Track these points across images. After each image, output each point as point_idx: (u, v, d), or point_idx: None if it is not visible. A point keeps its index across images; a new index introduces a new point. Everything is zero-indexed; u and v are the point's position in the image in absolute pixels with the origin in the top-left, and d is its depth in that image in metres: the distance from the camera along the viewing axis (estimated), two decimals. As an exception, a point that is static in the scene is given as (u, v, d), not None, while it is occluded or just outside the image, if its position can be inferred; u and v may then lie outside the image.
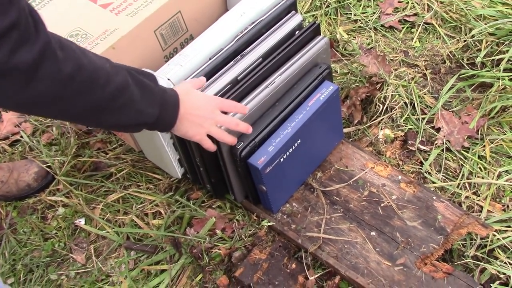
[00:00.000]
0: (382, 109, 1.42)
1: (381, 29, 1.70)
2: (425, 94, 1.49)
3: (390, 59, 1.59)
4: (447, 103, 1.47)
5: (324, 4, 1.79)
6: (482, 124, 1.38)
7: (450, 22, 1.67)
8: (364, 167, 1.28)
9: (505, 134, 1.37)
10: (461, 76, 1.51)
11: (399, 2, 1.75)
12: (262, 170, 1.07)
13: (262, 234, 1.21)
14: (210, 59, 1.07)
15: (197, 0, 1.18)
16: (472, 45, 1.57)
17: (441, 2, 1.71)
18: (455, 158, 1.34)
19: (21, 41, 0.60)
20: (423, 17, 1.69)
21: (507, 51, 1.48)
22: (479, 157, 1.33)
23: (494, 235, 1.16)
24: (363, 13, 1.76)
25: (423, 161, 1.34)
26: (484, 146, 1.35)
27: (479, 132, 1.37)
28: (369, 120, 1.43)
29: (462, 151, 1.34)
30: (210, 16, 1.22)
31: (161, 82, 0.92)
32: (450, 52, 1.59)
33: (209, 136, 0.98)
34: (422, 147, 1.37)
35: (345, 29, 1.72)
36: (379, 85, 1.45)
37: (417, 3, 1.74)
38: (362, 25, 1.72)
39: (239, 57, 1.09)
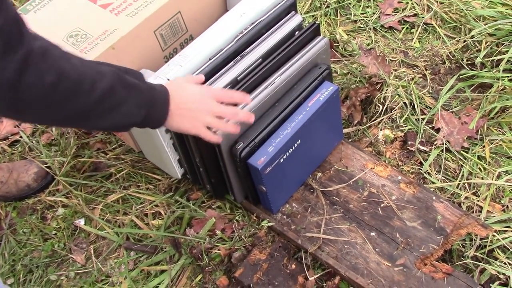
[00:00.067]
0: (382, 109, 1.42)
1: (380, 29, 1.70)
2: (424, 94, 1.49)
3: (390, 60, 1.59)
4: (446, 104, 1.47)
5: (324, 4, 1.79)
6: (482, 124, 1.38)
7: (450, 23, 1.67)
8: (364, 168, 1.28)
9: (504, 134, 1.37)
10: (460, 77, 1.51)
11: (398, 2, 1.75)
12: (262, 171, 1.07)
13: (262, 234, 1.21)
14: (210, 59, 1.07)
15: (197, 1, 1.18)
16: (472, 45, 1.57)
17: (441, 3, 1.72)
18: (454, 158, 1.34)
19: (4, 50, 0.60)
20: (422, 17, 1.69)
21: (507, 51, 1.48)
22: (478, 157, 1.33)
23: (494, 236, 1.16)
24: (362, 13, 1.76)
25: (422, 161, 1.34)
26: (484, 146, 1.35)
27: (479, 133, 1.37)
28: (369, 120, 1.43)
29: (462, 152, 1.35)
30: (210, 16, 1.22)
31: (160, 83, 0.92)
32: (449, 52, 1.59)
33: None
34: (421, 148, 1.37)
35: (345, 29, 1.72)
36: (378, 86, 1.45)
37: (416, 4, 1.74)
38: (361, 25, 1.72)
39: (239, 57, 1.09)
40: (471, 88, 1.50)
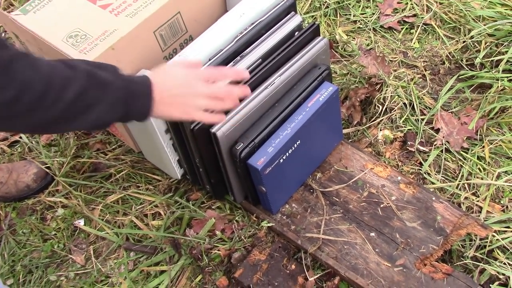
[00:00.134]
0: (382, 110, 1.42)
1: (380, 30, 1.70)
2: (424, 95, 1.49)
3: (390, 60, 1.59)
4: (446, 104, 1.47)
5: (324, 5, 1.79)
6: (481, 125, 1.38)
7: (449, 23, 1.67)
8: (364, 168, 1.28)
9: (504, 135, 1.37)
10: (460, 77, 1.51)
11: (398, 3, 1.75)
12: (261, 171, 1.07)
13: (261, 235, 1.21)
14: (209, 60, 1.07)
15: (197, 1, 1.18)
16: (471, 46, 1.57)
17: (440, 3, 1.72)
18: (454, 159, 1.34)
19: None
20: (422, 18, 1.69)
21: (506, 52, 1.48)
22: (478, 158, 1.33)
23: (494, 236, 1.16)
24: (362, 14, 1.76)
25: (422, 162, 1.34)
26: (483, 147, 1.35)
27: (478, 133, 1.37)
28: (369, 121, 1.43)
29: (461, 152, 1.35)
30: (209, 16, 1.22)
31: (144, 73, 0.89)
32: (449, 53, 1.59)
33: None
34: (421, 148, 1.37)
35: (345, 30, 1.72)
36: (378, 86, 1.45)
37: (416, 4, 1.74)
38: (361, 26, 1.72)
39: (238, 58, 1.09)
40: (471, 89, 1.50)
